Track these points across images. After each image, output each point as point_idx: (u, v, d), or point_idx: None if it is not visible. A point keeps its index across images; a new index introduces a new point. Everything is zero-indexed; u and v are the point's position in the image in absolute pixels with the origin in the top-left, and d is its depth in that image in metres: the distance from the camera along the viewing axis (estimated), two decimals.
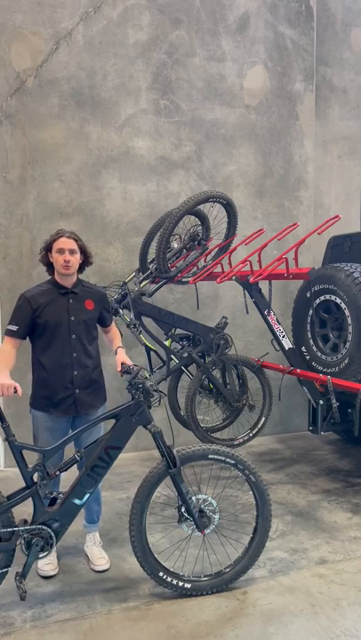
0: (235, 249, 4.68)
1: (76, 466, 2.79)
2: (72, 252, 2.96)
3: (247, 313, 4.45)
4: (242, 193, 5.60)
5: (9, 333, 2.94)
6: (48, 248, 3.00)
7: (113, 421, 2.79)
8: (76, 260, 2.98)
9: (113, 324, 3.32)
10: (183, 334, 4.71)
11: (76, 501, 2.71)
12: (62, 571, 3.11)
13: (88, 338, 3.06)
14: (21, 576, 2.62)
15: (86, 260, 3.09)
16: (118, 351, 3.13)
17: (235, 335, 5.33)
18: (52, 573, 3.04)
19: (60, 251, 2.94)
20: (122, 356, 3.06)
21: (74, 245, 2.97)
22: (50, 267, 3.05)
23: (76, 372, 2.99)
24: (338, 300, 4.07)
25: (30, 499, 2.65)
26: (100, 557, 3.14)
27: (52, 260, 3.00)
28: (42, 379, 3.00)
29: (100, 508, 3.28)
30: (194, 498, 2.81)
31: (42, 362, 2.98)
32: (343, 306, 4.02)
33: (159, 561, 2.83)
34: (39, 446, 2.90)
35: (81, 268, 3.09)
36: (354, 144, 6.35)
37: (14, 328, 2.93)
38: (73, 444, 2.95)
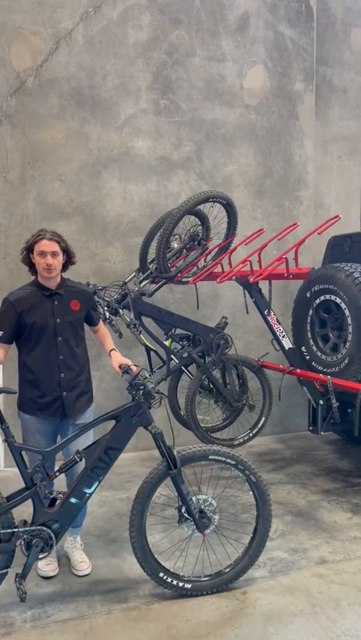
0: (235, 249, 4.68)
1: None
2: (54, 254, 2.89)
3: (247, 313, 4.45)
4: (242, 193, 5.60)
5: None
6: (29, 249, 2.93)
7: (113, 422, 2.80)
8: (58, 262, 2.92)
9: (101, 322, 3.26)
10: (183, 334, 4.71)
11: (76, 502, 2.71)
12: (62, 571, 3.12)
13: (75, 339, 3.00)
14: (21, 577, 2.63)
15: (69, 260, 3.02)
16: (113, 354, 3.07)
17: (235, 335, 5.32)
18: (52, 574, 3.04)
19: (42, 254, 2.87)
20: (118, 359, 3.00)
21: (56, 247, 2.89)
22: (32, 267, 2.99)
23: (63, 375, 2.95)
24: (338, 300, 4.07)
25: (30, 499, 2.65)
26: (81, 562, 3.11)
27: (33, 261, 2.93)
28: (29, 382, 2.96)
29: (85, 511, 3.26)
30: (194, 498, 2.81)
31: (28, 365, 2.94)
32: (343, 306, 4.02)
33: (159, 561, 2.83)
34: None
35: (64, 268, 3.02)
36: (354, 144, 6.35)
37: (0, 333, 2.90)
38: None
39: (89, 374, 3.14)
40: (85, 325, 3.15)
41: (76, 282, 3.18)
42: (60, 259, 2.94)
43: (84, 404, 3.07)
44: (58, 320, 2.94)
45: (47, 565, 3.05)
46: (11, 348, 3.00)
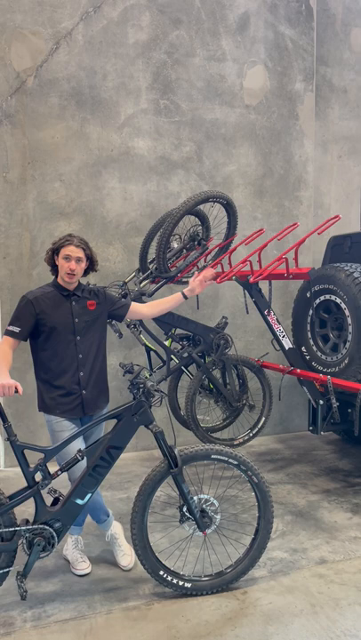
0: (235, 249, 4.68)
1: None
2: (78, 260, 2.97)
3: (247, 313, 4.45)
4: (242, 193, 5.60)
5: (10, 334, 2.92)
6: (55, 251, 2.99)
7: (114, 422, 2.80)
8: (81, 268, 3.00)
9: (135, 304, 3.29)
10: (183, 334, 4.72)
11: (78, 501, 2.71)
12: (62, 571, 3.12)
13: (94, 338, 3.07)
14: (22, 575, 2.63)
15: (91, 266, 3.09)
16: (185, 291, 3.41)
17: (235, 335, 5.33)
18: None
19: (67, 258, 2.95)
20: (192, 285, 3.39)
21: (81, 254, 2.97)
22: (54, 268, 3.05)
23: (82, 374, 3.00)
24: (338, 300, 4.08)
25: (32, 498, 2.66)
26: (81, 561, 3.12)
27: (57, 263, 3.00)
28: (49, 381, 2.99)
29: (87, 510, 3.27)
30: (195, 498, 2.82)
31: (48, 365, 2.98)
32: (343, 306, 4.02)
33: (160, 559, 2.83)
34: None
35: (85, 273, 3.09)
36: (354, 144, 6.35)
37: (16, 330, 2.91)
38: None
39: (106, 373, 3.19)
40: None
41: (92, 285, 3.25)
42: (83, 265, 3.02)
43: (101, 403, 3.12)
44: (76, 320, 3.00)
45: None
46: (20, 347, 3.01)
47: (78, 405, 3.00)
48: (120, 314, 3.20)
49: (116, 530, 3.23)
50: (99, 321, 3.11)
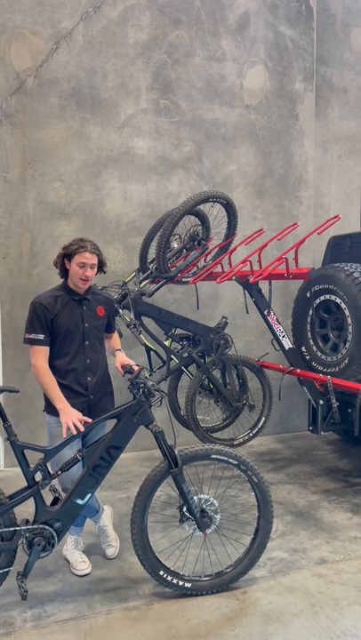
0: (235, 249, 4.69)
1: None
2: (93, 266, 2.96)
3: (247, 313, 4.46)
4: (242, 193, 5.60)
5: (38, 343, 2.86)
6: (68, 256, 2.95)
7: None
8: (94, 273, 2.98)
9: (116, 334, 3.35)
10: (183, 334, 4.72)
11: (78, 501, 2.71)
12: (62, 571, 3.12)
13: (99, 344, 3.08)
14: (23, 575, 2.63)
15: (100, 269, 3.07)
16: (117, 354, 3.15)
17: (235, 335, 5.33)
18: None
19: (83, 265, 2.92)
20: (121, 358, 3.07)
21: (95, 260, 2.96)
22: (63, 271, 3.01)
23: (89, 378, 3.00)
24: (338, 300, 4.08)
25: (32, 498, 2.65)
26: (81, 561, 3.12)
27: (68, 267, 2.97)
28: (57, 384, 2.95)
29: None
30: (195, 498, 2.82)
31: (56, 368, 2.95)
32: (343, 306, 4.02)
33: (160, 559, 2.83)
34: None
35: None
36: (354, 144, 6.35)
37: (41, 337, 2.87)
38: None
39: (110, 376, 3.19)
40: None
41: (99, 288, 3.22)
42: (95, 270, 3.00)
43: (108, 407, 3.11)
44: (86, 325, 3.00)
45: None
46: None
47: (85, 410, 2.98)
48: (108, 327, 3.20)
49: (105, 521, 3.30)
50: (102, 327, 3.12)
